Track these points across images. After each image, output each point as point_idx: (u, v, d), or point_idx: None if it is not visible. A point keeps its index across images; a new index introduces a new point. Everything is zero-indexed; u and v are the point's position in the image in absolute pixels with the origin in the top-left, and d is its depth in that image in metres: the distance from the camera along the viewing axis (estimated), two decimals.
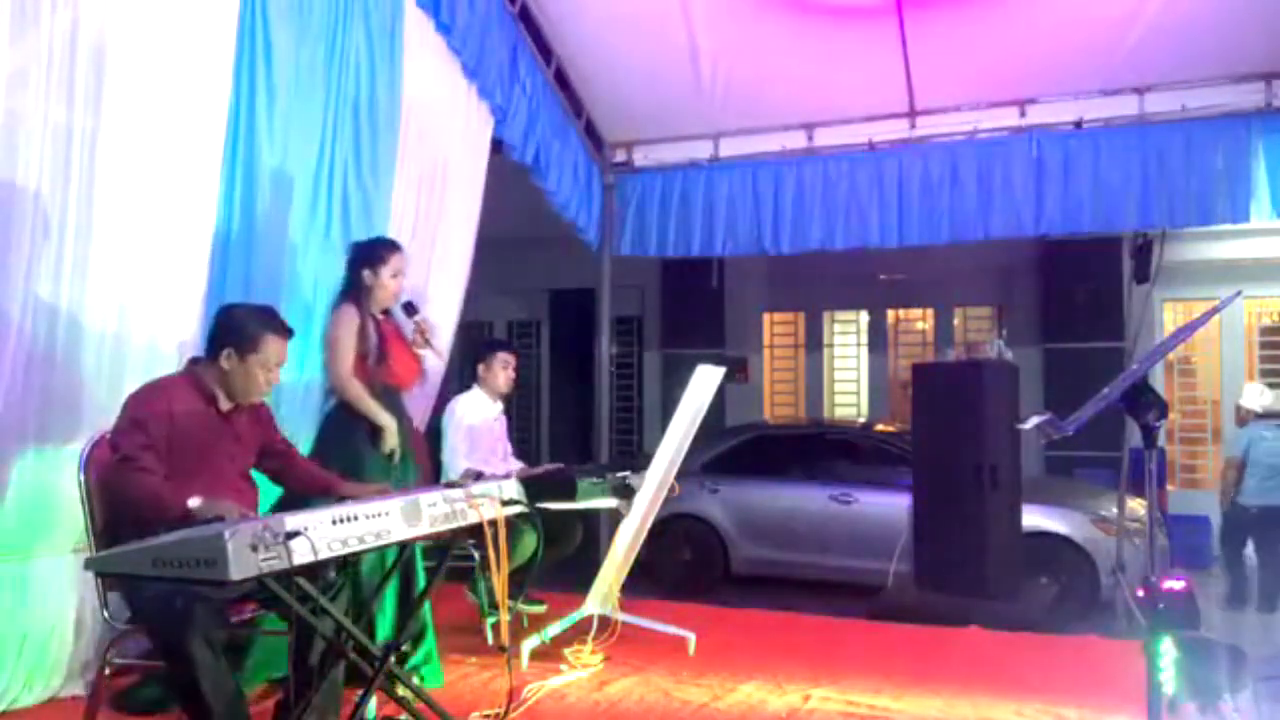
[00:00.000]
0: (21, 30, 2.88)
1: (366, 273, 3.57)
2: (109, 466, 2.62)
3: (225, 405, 2.78)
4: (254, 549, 1.94)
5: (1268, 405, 6.53)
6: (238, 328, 2.73)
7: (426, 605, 3.52)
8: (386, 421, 3.51)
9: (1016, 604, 5.04)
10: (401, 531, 2.35)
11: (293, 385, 3.82)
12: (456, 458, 4.36)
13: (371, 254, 3.61)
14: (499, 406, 4.67)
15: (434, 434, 4.98)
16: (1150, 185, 5.35)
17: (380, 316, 3.65)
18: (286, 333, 2.81)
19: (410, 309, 3.77)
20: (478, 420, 4.51)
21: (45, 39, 2.95)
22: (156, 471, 2.56)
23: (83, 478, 2.63)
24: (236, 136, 3.68)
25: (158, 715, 2.99)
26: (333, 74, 4.13)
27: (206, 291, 3.53)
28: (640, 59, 5.71)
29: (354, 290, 3.58)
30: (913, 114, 5.82)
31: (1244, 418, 6.59)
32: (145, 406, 2.64)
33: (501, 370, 4.60)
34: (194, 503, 2.42)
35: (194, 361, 2.84)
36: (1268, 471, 6.31)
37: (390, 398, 3.62)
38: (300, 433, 3.69)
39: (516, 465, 4.58)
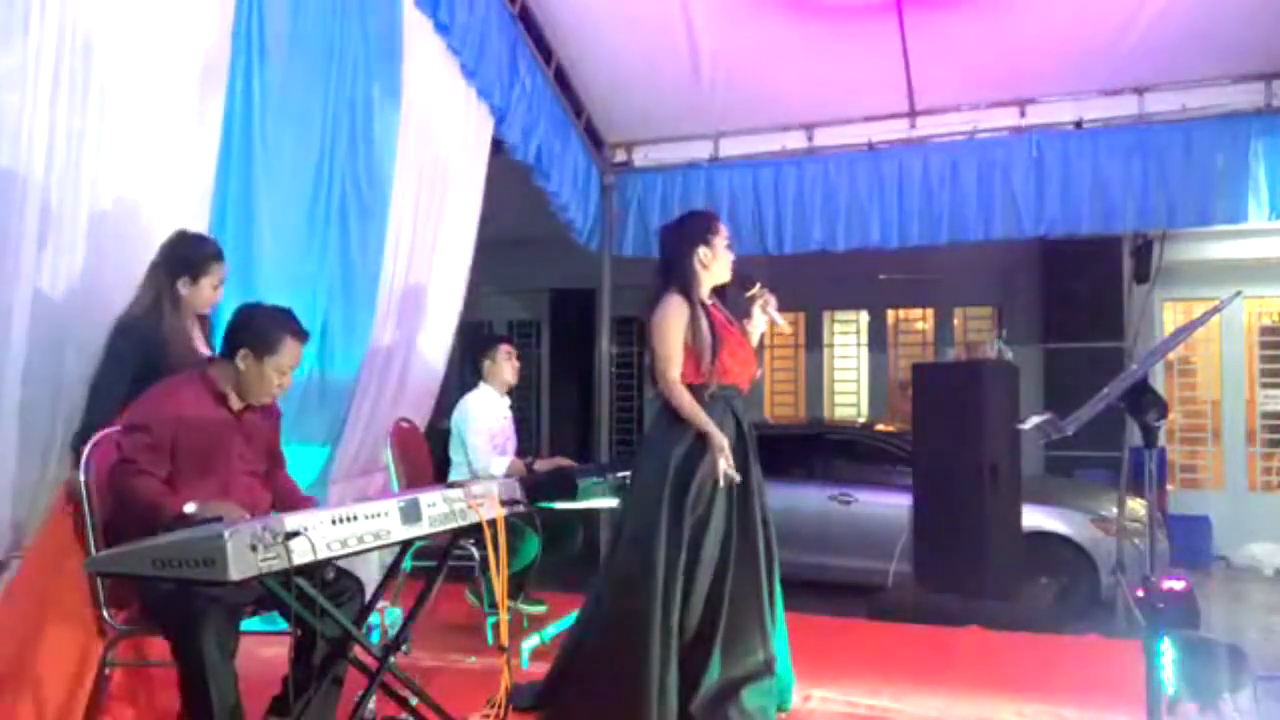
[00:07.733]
0: (11, 27, 2.87)
1: (703, 251, 3.15)
2: (110, 467, 2.60)
3: (236, 405, 2.77)
4: (253, 549, 1.94)
5: None
6: (258, 330, 2.72)
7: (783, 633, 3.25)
8: (721, 441, 3.00)
9: (1016, 604, 5.04)
10: (400, 532, 2.35)
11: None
12: (484, 456, 4.33)
13: (700, 228, 3.21)
14: (506, 401, 4.67)
15: (435, 434, 4.98)
16: (1150, 185, 5.36)
17: (710, 303, 3.24)
18: (304, 336, 2.79)
19: (747, 281, 3.32)
20: (493, 418, 4.50)
21: (35, 37, 2.92)
22: (157, 475, 2.55)
23: (83, 478, 2.61)
24: (231, 137, 3.65)
25: None
26: (330, 74, 4.12)
27: None
28: (640, 59, 5.70)
29: (680, 277, 3.11)
30: (913, 114, 5.83)
31: None
32: (152, 408, 2.62)
33: (506, 361, 4.59)
34: (190, 508, 2.41)
35: (209, 360, 2.82)
36: None
37: (728, 403, 3.17)
38: (294, 431, 3.67)
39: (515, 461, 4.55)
